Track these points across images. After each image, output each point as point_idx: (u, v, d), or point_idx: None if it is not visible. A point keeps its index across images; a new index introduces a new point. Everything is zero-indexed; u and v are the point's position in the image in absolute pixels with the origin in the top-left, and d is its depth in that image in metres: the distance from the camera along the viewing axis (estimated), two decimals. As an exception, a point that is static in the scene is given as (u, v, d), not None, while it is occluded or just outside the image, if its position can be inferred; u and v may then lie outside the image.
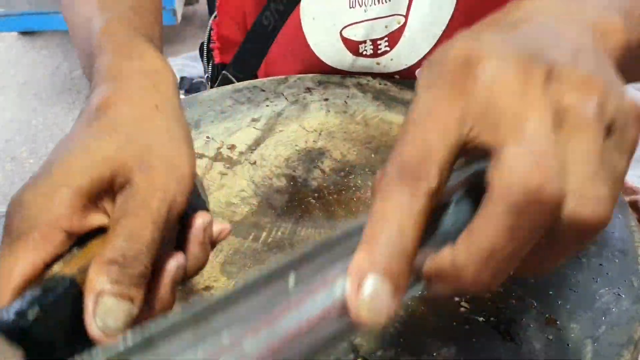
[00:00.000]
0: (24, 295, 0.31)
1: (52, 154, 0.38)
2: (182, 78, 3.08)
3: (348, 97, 0.88)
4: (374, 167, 0.75)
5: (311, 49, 0.94)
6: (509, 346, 0.53)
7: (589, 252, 0.62)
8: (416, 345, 0.53)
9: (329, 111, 0.85)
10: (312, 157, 0.77)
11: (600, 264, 0.61)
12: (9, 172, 2.79)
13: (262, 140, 0.79)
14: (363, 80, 0.92)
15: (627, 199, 0.84)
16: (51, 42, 3.73)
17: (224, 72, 1.06)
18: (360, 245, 0.29)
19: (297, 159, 0.76)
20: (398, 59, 0.95)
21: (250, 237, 0.64)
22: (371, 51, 0.94)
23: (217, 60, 1.10)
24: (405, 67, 0.96)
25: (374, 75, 0.93)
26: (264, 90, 0.89)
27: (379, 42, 0.93)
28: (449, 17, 0.94)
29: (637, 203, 0.82)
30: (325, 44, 0.93)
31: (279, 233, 0.65)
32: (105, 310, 0.32)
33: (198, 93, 0.88)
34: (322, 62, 0.95)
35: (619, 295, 0.57)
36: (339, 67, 0.96)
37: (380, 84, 0.92)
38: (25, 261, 0.32)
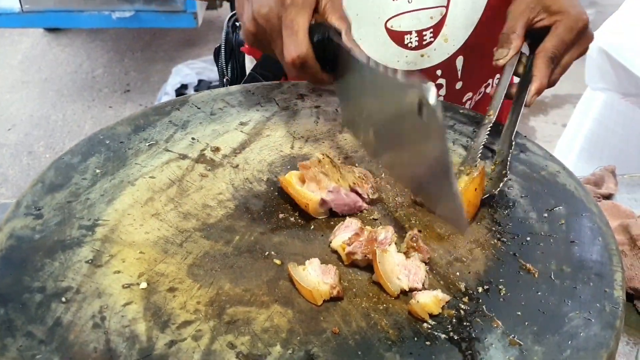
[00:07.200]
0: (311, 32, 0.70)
1: None
2: (200, 81, 3.10)
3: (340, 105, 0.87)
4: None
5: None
6: (469, 365, 0.52)
7: (564, 274, 0.61)
8: (374, 358, 0.52)
9: (319, 118, 0.84)
10: (295, 163, 0.76)
11: (575, 287, 0.59)
12: (25, 165, 2.83)
13: (247, 144, 0.79)
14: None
15: (617, 222, 0.82)
16: (75, 40, 3.78)
17: (251, 71, 1.06)
18: None
19: (280, 164, 0.76)
20: (440, 48, 0.97)
21: (222, 240, 0.64)
22: (416, 43, 0.96)
23: (246, 51, 1.10)
24: (447, 56, 0.98)
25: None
26: (255, 95, 0.88)
27: (424, 32, 0.96)
28: (485, 3, 0.97)
29: (628, 227, 0.80)
30: (370, 37, 0.95)
31: (252, 237, 0.64)
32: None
33: (190, 94, 0.88)
34: None
35: (588, 319, 0.56)
36: (382, 63, 0.96)
37: (374, 94, 0.91)
38: (307, 17, 0.69)
